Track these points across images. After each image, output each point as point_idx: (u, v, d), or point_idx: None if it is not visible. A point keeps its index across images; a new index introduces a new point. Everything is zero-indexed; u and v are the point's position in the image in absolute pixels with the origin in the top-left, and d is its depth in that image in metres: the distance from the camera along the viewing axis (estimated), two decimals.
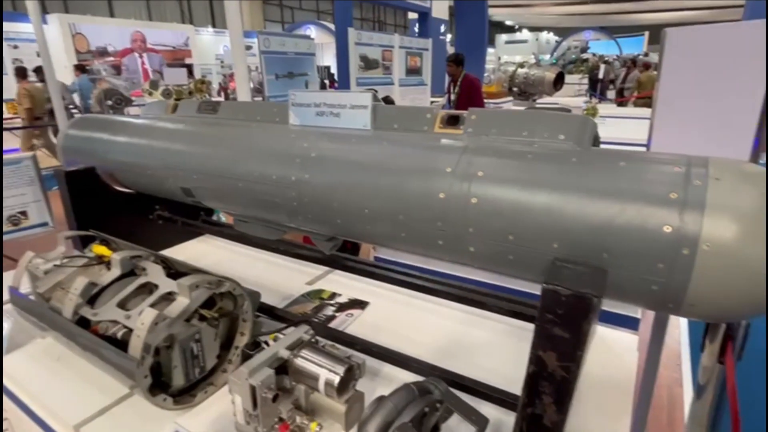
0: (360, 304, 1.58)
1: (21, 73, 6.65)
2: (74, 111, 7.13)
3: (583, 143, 0.98)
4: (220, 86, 10.99)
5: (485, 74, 8.86)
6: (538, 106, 8.05)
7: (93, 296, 1.19)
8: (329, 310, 1.55)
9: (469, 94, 5.84)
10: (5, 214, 2.02)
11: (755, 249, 0.75)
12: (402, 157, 1.12)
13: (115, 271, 1.23)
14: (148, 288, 1.19)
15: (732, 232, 0.75)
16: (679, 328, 2.80)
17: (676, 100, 1.26)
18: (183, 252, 2.05)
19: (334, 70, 13.28)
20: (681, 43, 1.25)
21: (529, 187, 0.91)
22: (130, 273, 1.25)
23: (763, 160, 1.18)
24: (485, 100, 6.11)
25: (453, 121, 1.16)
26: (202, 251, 2.09)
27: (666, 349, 2.57)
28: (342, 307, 1.56)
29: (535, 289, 0.87)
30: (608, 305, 1.48)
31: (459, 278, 1.60)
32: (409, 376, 1.20)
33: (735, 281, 0.76)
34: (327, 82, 13.10)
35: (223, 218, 2.48)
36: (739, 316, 0.81)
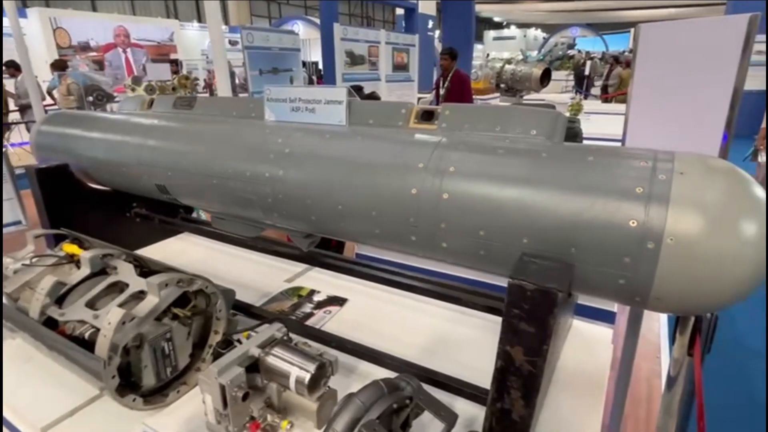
0: (338, 301, 1.57)
1: (17, 66, 6.51)
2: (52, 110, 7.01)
3: (554, 138, 0.99)
4: (206, 82, 10.85)
5: (473, 70, 8.87)
6: (525, 102, 8.09)
7: (61, 296, 1.17)
8: (307, 308, 1.54)
9: (459, 90, 5.84)
10: None
11: (719, 242, 0.75)
12: (376, 153, 1.11)
13: (85, 270, 1.21)
14: (119, 287, 1.16)
15: (696, 226, 0.76)
16: (659, 321, 2.84)
17: (649, 94, 1.27)
18: (161, 250, 2.02)
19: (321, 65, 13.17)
20: (654, 39, 1.26)
21: (500, 182, 0.92)
22: (100, 272, 1.22)
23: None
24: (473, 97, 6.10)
25: (427, 117, 1.16)
26: (181, 249, 2.06)
27: (646, 342, 2.61)
28: (320, 305, 1.56)
29: (502, 282, 0.87)
30: (585, 299, 1.49)
31: (441, 274, 1.60)
32: (384, 373, 1.20)
33: (699, 274, 0.77)
34: (315, 78, 12.99)
35: (203, 215, 2.45)
36: (705, 309, 0.82)
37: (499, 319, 1.31)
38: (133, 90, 6.34)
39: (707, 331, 0.95)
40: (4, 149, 2.01)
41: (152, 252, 2.00)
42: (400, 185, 1.02)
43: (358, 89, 4.76)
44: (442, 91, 6.04)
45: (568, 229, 0.83)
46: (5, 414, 1.15)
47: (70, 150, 1.82)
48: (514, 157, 0.94)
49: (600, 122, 5.43)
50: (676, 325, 1.04)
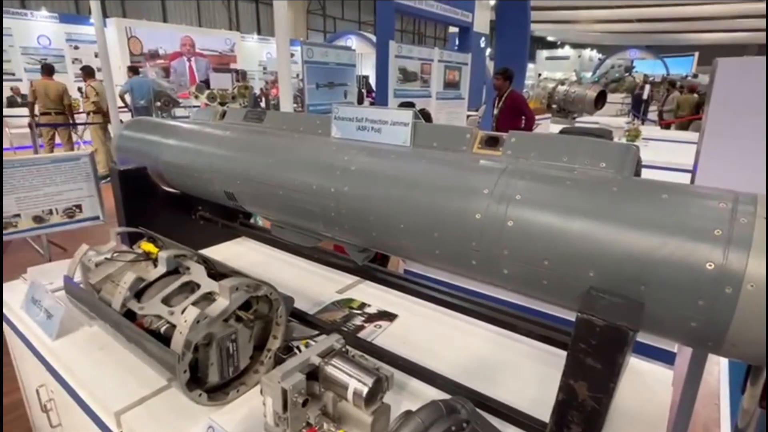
0: (388, 316, 1.60)
1: (89, 71, 7.12)
2: (123, 111, 7.55)
3: (624, 172, 0.98)
4: (261, 92, 11.32)
5: (524, 90, 8.78)
6: (577, 124, 7.90)
7: (140, 291, 1.26)
8: (358, 320, 1.57)
9: (512, 112, 5.80)
10: (62, 206, 2.16)
11: None
12: (440, 176, 1.14)
13: (161, 269, 1.30)
14: (191, 286, 1.25)
15: None
16: (718, 364, 2.67)
17: (725, 131, 1.23)
18: (220, 252, 2.13)
19: (372, 80, 13.44)
20: (732, 74, 1.22)
21: (567, 214, 0.92)
22: (174, 271, 1.32)
23: None
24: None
25: (492, 143, 1.17)
26: (238, 253, 2.16)
27: (703, 386, 2.45)
28: (371, 318, 1.59)
29: (568, 315, 0.87)
30: (643, 336, 1.44)
31: (489, 297, 1.60)
32: (434, 393, 1.21)
33: None
34: (364, 91, 13.28)
35: (260, 222, 2.56)
36: None
37: (553, 349, 1.31)
38: (196, 97, 6.72)
39: None
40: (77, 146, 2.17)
41: (212, 253, 2.11)
42: (463, 209, 1.04)
43: (409, 105, 4.83)
44: (495, 111, 6.01)
45: (639, 266, 0.82)
46: (83, 396, 1.25)
47: (148, 154, 1.97)
48: (582, 189, 0.94)
49: (660, 150, 5.21)
50: (747, 374, 1.00)
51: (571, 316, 0.83)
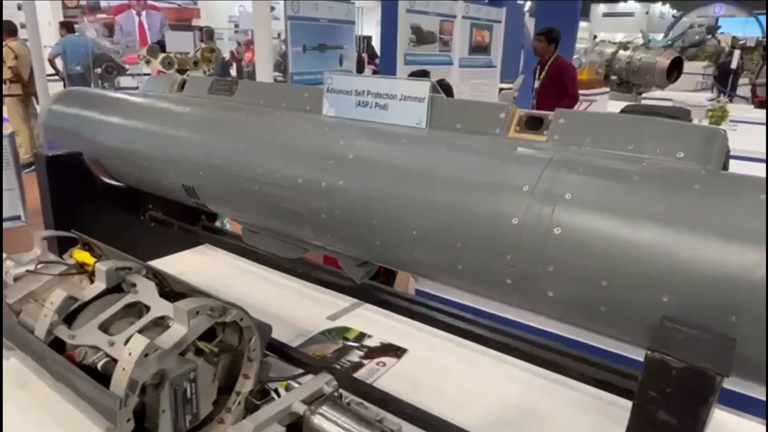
0: (395, 351, 1.60)
1: (9, 29, 7.11)
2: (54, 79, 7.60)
3: (709, 164, 0.97)
4: (232, 56, 11.38)
5: (575, 56, 8.78)
6: (644, 101, 7.89)
7: (71, 313, 1.26)
8: (355, 355, 1.57)
9: (558, 84, 5.79)
10: None
11: None
12: (465, 167, 1.14)
13: (99, 285, 1.30)
14: (137, 309, 1.24)
15: None
16: None
17: None
18: (176, 264, 2.13)
19: (376, 42, 13.47)
20: None
21: (634, 219, 0.91)
22: (116, 288, 1.32)
23: None
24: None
25: (535, 124, 1.17)
26: (200, 265, 2.17)
27: None
28: (372, 353, 1.59)
29: (634, 353, 0.86)
30: (730, 381, 1.42)
31: (527, 327, 1.59)
32: None
33: None
34: (366, 56, 13.32)
35: (228, 226, 2.56)
36: None
37: (613, 398, 1.30)
38: (148, 62, 6.77)
39: None
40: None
41: (166, 266, 2.11)
42: (496, 211, 1.04)
43: (423, 74, 4.84)
44: (536, 85, 6.01)
45: (730, 290, 0.81)
46: None
47: (84, 135, 1.98)
48: (653, 187, 0.93)
49: (753, 135, 5.17)
50: None
51: (637, 355, 0.83)
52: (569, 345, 1.41)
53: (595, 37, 14.41)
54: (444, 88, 4.47)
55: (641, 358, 0.83)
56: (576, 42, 10.90)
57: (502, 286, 1.06)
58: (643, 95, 8.44)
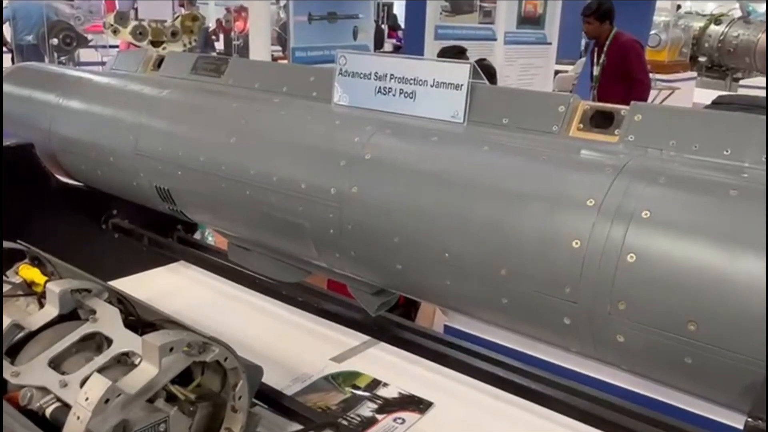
0: (417, 404, 1.59)
1: None
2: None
3: None
4: (219, 26, 11.51)
5: (651, 32, 8.74)
6: (741, 90, 7.82)
7: (15, 345, 1.28)
8: (367, 409, 1.56)
9: (622, 68, 5.77)
10: None
11: None
12: (513, 174, 1.14)
13: (51, 310, 1.32)
14: (97, 341, 1.26)
15: None
16: None
17: None
18: (145, 286, 2.15)
19: (399, 9, 13.55)
20: None
21: (729, 245, 0.90)
22: (71, 315, 1.33)
23: None
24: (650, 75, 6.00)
25: (603, 121, 1.17)
26: (173, 288, 2.18)
27: None
28: (388, 406, 1.57)
29: (729, 419, 0.85)
30: None
31: (589, 380, 1.57)
32: None
33: None
34: (386, 28, 13.40)
35: (211, 239, 2.58)
36: None
37: None
38: (115, 32, 6.86)
39: None
40: None
41: (131, 287, 2.13)
42: (552, 231, 1.04)
43: (458, 53, 4.85)
44: (595, 72, 5.99)
45: None
46: None
47: (35, 122, 2.02)
48: (756, 205, 0.92)
49: None
50: None
51: (734, 421, 0.81)
52: (642, 404, 1.40)
53: (679, 7, 14.30)
54: (485, 70, 4.48)
55: (739, 425, 0.81)
56: (654, 13, 10.86)
57: (557, 327, 1.06)
58: (740, 82, 8.37)
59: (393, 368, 1.74)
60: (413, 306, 2.93)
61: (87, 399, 1.05)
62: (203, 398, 1.23)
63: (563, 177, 1.08)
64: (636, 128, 1.12)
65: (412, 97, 1.37)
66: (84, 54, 8.70)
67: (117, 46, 7.63)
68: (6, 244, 1.63)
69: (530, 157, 1.16)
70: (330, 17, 5.18)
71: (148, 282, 2.20)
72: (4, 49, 8.07)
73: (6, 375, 1.22)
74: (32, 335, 1.30)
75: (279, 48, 7.79)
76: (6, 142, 2.00)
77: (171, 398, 1.18)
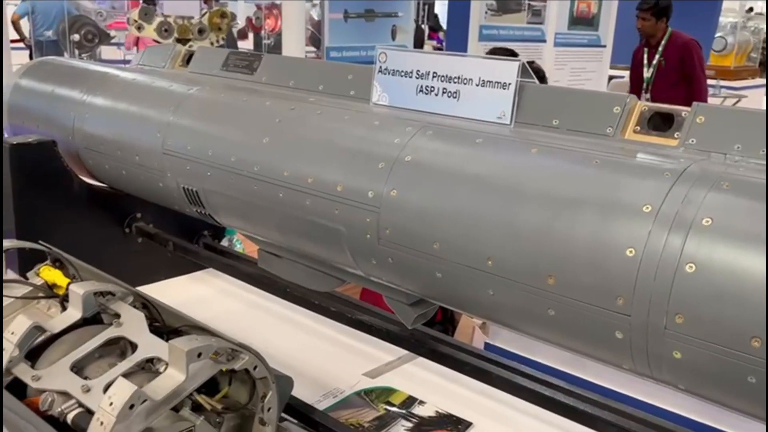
0: (456, 424, 1.60)
1: None
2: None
3: None
4: (249, 23, 11.62)
5: (716, 35, 8.63)
6: None
7: (36, 348, 1.32)
8: (401, 427, 1.57)
9: (682, 68, 5.71)
10: None
11: None
12: (563, 178, 1.15)
13: (74, 314, 1.36)
14: (121, 346, 1.29)
15: None
16: None
17: None
18: (168, 294, 2.18)
19: (440, 9, 13.55)
20: None
21: None
22: (94, 318, 1.37)
23: None
24: (713, 82, 5.91)
25: (662, 123, 1.18)
26: (199, 296, 2.23)
27: None
28: (424, 425, 1.58)
29: None
30: None
31: (639, 403, 1.56)
32: None
33: None
34: (426, 28, 13.41)
35: (239, 245, 2.61)
36: None
37: None
38: (139, 28, 6.98)
39: None
40: None
41: (154, 295, 2.18)
42: (605, 238, 1.04)
43: (506, 55, 4.84)
44: (647, 74, 5.92)
45: None
46: None
47: (59, 119, 2.08)
48: None
49: None
50: None
51: None
52: (698, 430, 1.39)
53: (751, 9, 14.01)
54: (534, 73, 4.47)
55: None
56: (720, 14, 10.69)
57: (608, 342, 1.06)
58: None
59: (429, 385, 1.75)
60: (451, 324, 2.93)
61: (111, 404, 1.08)
62: (230, 409, 1.25)
63: (617, 181, 1.09)
64: (698, 131, 1.12)
65: (455, 97, 1.39)
66: (105, 51, 8.82)
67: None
68: (27, 243, 1.69)
69: (582, 160, 1.16)
70: (367, 15, 5.19)
71: (172, 290, 2.24)
72: (22, 44, 8.25)
73: (26, 379, 1.26)
74: (53, 338, 1.33)
75: (312, 48, 7.85)
76: (28, 138, 2.07)
77: (196, 408, 1.21)
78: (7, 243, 1.68)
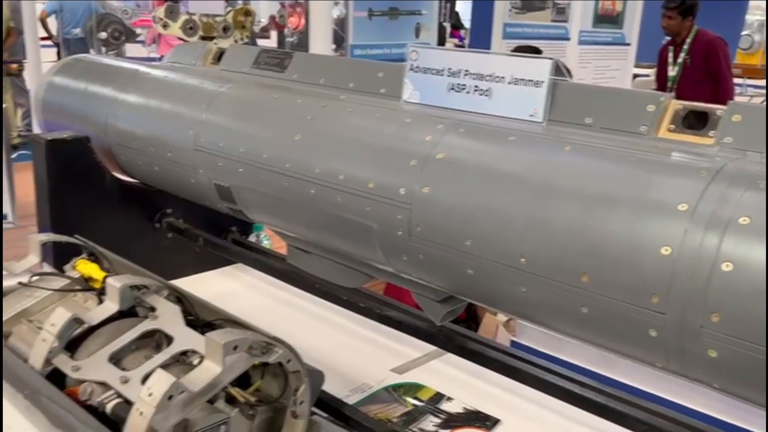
0: (483, 421, 1.60)
1: None
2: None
3: None
4: (273, 20, 11.65)
5: (743, 33, 8.52)
6: None
7: (74, 340, 1.34)
8: (429, 423, 1.58)
9: (708, 67, 5.66)
10: None
11: None
12: (597, 177, 1.15)
13: (110, 306, 1.38)
14: (157, 339, 1.32)
15: None
16: None
17: None
18: (198, 288, 2.19)
19: (462, 7, 13.47)
20: None
21: None
22: (130, 311, 1.39)
23: None
24: (739, 81, 5.85)
25: (697, 122, 1.17)
26: (227, 290, 2.25)
27: None
28: (452, 421, 1.59)
29: None
30: None
31: (671, 404, 1.56)
32: None
33: None
34: (448, 26, 13.34)
35: (267, 241, 2.63)
36: None
37: None
38: (165, 26, 7.03)
39: None
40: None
41: (185, 289, 2.21)
42: (639, 237, 1.04)
43: (531, 52, 4.81)
44: (672, 72, 5.87)
45: None
46: None
47: (92, 116, 2.11)
48: None
49: None
50: None
51: None
52: (727, 430, 1.38)
53: None
54: (561, 72, 4.44)
55: None
56: (747, 12, 10.53)
57: (642, 340, 1.06)
58: None
59: (457, 382, 1.76)
60: (474, 321, 2.93)
61: (151, 394, 1.09)
62: (263, 402, 1.27)
63: (652, 180, 1.08)
64: (734, 129, 1.11)
65: (487, 95, 1.39)
66: (130, 49, 8.87)
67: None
68: (63, 237, 1.72)
69: (616, 158, 1.16)
70: (392, 13, 5.18)
71: (202, 284, 2.25)
72: (50, 41, 8.34)
73: (66, 369, 1.29)
74: (91, 330, 1.36)
75: (335, 46, 7.85)
76: (63, 135, 2.11)
77: (230, 400, 1.22)
78: (44, 236, 1.71)
